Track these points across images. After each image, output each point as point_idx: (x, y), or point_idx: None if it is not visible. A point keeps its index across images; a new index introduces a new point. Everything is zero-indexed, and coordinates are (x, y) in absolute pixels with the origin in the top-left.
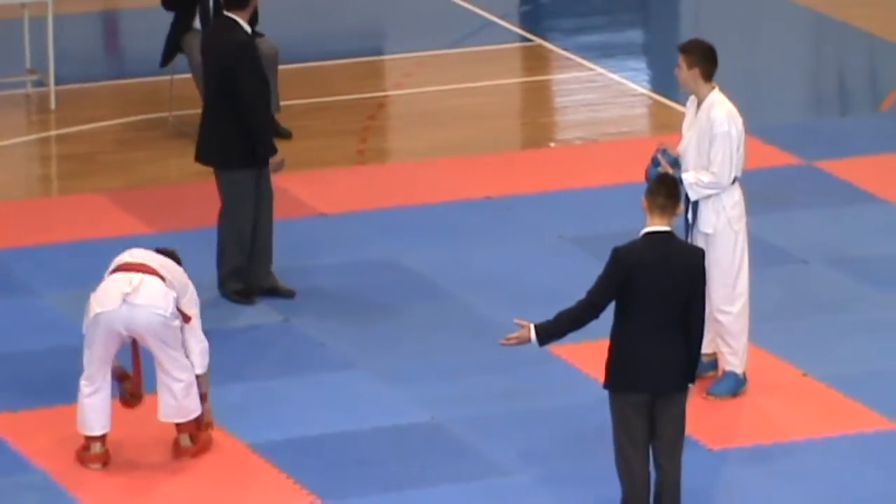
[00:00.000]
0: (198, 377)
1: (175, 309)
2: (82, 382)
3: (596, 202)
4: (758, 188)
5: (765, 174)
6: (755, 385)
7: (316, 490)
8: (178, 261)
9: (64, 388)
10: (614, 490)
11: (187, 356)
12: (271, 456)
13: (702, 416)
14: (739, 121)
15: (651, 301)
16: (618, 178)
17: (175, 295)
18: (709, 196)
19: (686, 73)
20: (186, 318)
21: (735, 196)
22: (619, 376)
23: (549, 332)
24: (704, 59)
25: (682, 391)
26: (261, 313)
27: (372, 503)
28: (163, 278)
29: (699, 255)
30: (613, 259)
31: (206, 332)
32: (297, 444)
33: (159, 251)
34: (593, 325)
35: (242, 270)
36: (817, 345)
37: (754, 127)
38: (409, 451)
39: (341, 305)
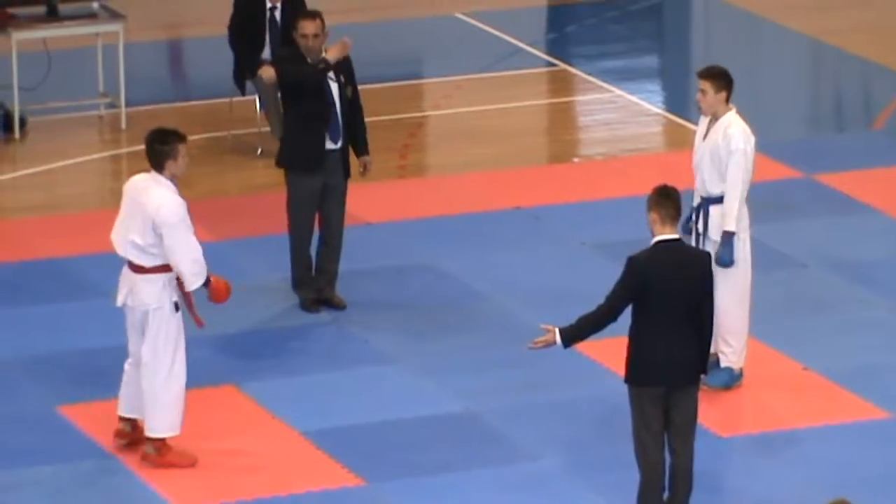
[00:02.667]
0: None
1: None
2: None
3: (615, 212)
4: (763, 199)
5: (769, 186)
6: (761, 378)
7: (361, 473)
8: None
9: None
10: (633, 474)
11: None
12: (321, 442)
13: (713, 406)
14: (752, 139)
15: (665, 303)
16: (635, 191)
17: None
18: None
19: (714, 97)
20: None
21: (742, 207)
22: (637, 371)
23: (573, 335)
24: (729, 83)
25: (695, 383)
26: (312, 313)
27: (412, 485)
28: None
29: (706, 258)
30: (628, 267)
31: (262, 332)
32: (345, 432)
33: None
34: (618, 322)
35: (300, 279)
36: (817, 341)
37: (759, 144)
38: (446, 438)
39: (384, 306)
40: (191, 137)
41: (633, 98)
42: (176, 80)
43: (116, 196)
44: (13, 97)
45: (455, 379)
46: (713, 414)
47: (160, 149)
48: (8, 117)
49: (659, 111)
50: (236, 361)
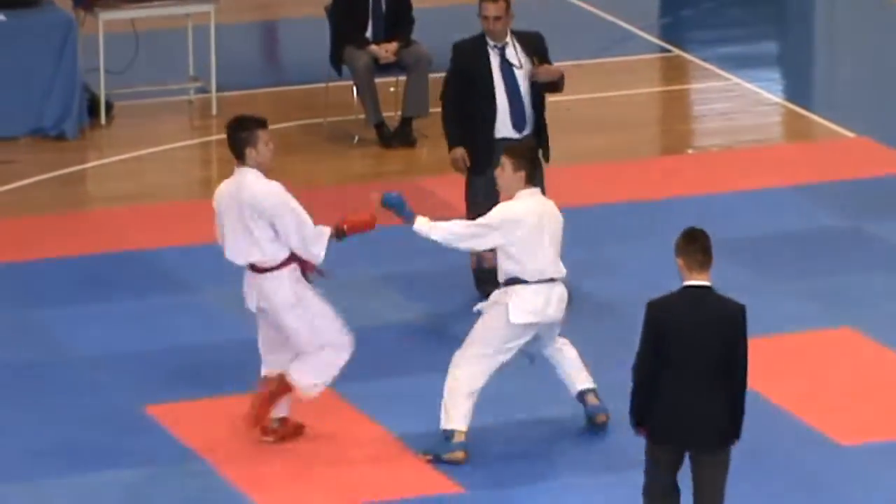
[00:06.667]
0: None
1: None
2: None
3: (731, 206)
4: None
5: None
6: (886, 384)
7: (459, 480)
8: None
9: (222, 380)
10: (746, 482)
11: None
12: (416, 446)
13: (831, 411)
14: (530, 221)
15: (686, 355)
16: (753, 184)
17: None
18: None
19: (511, 175)
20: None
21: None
22: (655, 428)
23: (634, 412)
24: (529, 162)
25: (723, 448)
26: (408, 311)
27: (513, 494)
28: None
29: (738, 310)
30: (647, 316)
31: (358, 331)
32: (441, 437)
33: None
34: None
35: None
36: None
37: (882, 133)
38: (549, 444)
39: None
40: (284, 124)
41: (752, 86)
42: (269, 64)
43: (207, 185)
44: (99, 81)
45: (560, 381)
46: (833, 420)
47: (238, 136)
48: (94, 102)
49: (779, 100)
50: None
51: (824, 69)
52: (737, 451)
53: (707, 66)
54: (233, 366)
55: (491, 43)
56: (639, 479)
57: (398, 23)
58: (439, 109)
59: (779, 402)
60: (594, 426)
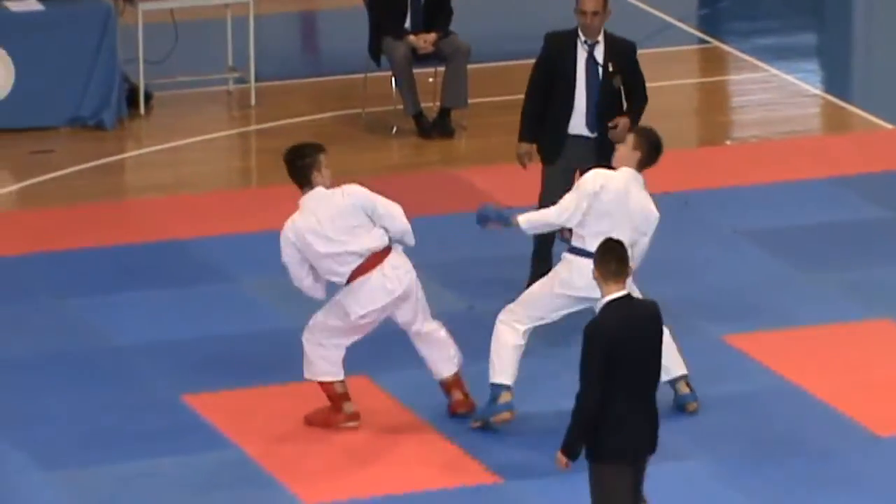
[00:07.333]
0: None
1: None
2: None
3: (769, 198)
4: None
5: None
6: None
7: (497, 470)
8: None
9: (259, 370)
10: (784, 473)
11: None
12: (456, 438)
13: (870, 402)
14: (597, 192)
15: (627, 367)
16: (791, 175)
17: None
18: None
19: (629, 150)
20: None
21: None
22: (608, 448)
23: (574, 448)
24: (649, 148)
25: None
26: (446, 301)
27: (552, 484)
28: None
29: (656, 307)
30: (588, 340)
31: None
32: (481, 427)
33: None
34: (772, 314)
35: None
36: None
37: None
38: None
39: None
40: (323, 114)
41: (790, 78)
42: (308, 54)
43: (245, 175)
44: (138, 71)
45: None
46: (871, 411)
47: (303, 163)
48: (133, 92)
49: (817, 92)
50: (369, 351)
51: (862, 60)
52: (776, 441)
53: (745, 57)
54: (270, 355)
55: (582, 38)
56: (684, 468)
57: (437, 13)
58: (480, 100)
59: (818, 394)
60: (685, 413)
